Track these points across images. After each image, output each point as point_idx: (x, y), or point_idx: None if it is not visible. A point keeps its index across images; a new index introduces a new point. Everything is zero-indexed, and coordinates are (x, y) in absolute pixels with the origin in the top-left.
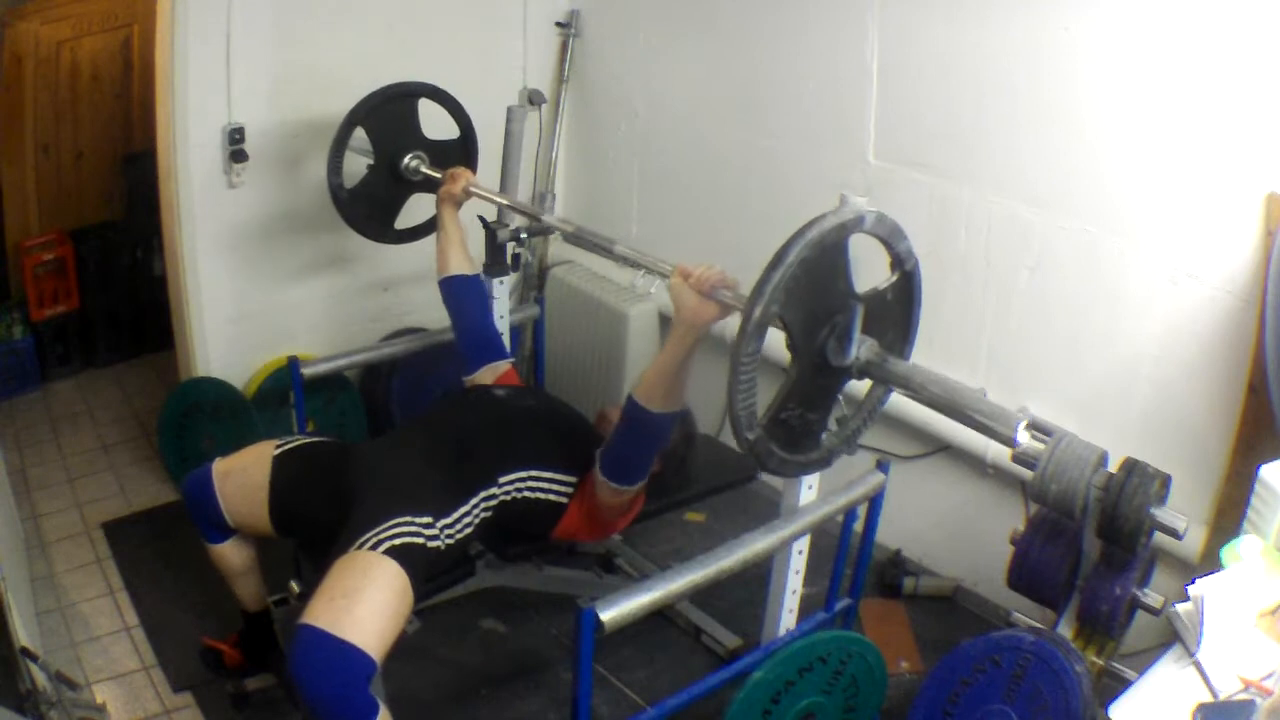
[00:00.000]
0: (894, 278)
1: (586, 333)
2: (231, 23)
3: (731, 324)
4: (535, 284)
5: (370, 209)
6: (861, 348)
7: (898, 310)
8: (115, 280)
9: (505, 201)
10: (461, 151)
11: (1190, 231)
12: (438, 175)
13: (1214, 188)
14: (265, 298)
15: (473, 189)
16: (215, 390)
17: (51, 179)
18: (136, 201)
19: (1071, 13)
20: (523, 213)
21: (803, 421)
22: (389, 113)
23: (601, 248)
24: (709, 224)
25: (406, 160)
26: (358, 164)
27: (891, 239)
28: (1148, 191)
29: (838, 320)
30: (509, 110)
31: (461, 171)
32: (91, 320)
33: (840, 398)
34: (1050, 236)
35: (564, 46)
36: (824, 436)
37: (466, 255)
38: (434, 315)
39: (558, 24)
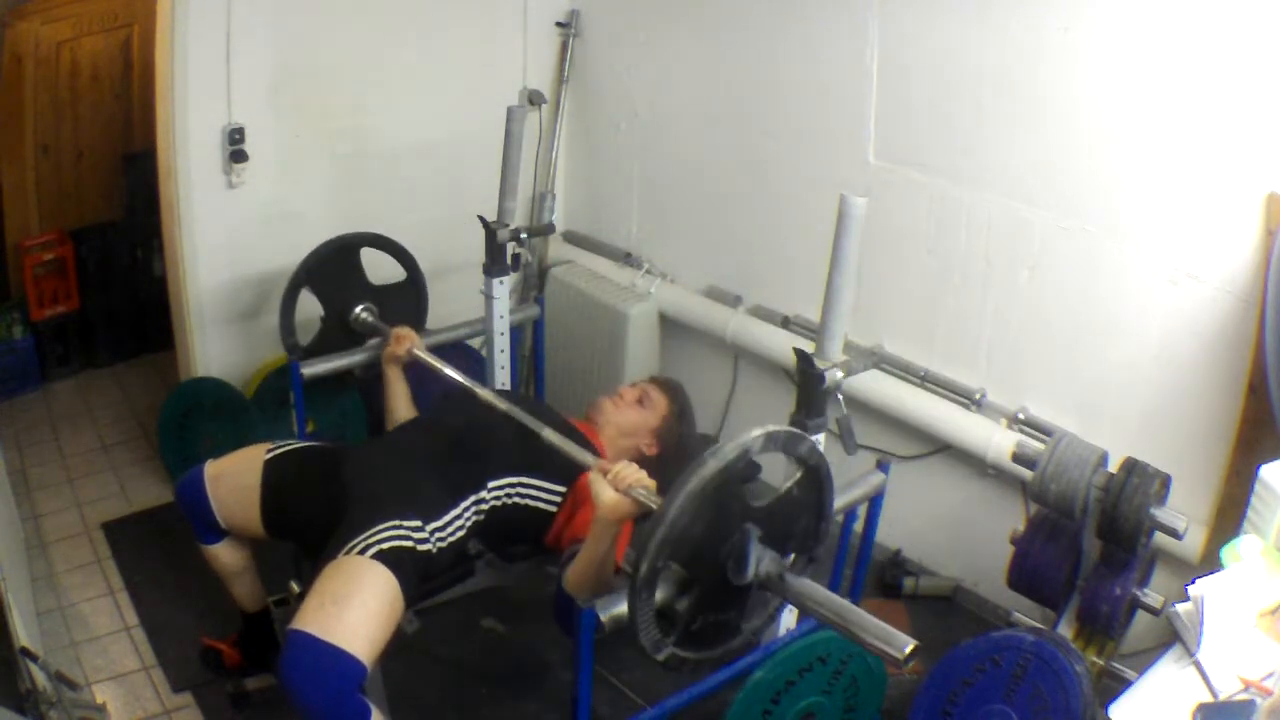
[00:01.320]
0: (798, 474)
1: (586, 333)
2: (231, 23)
3: (735, 325)
4: (535, 284)
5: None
6: (760, 565)
7: (809, 499)
8: (115, 280)
9: (448, 371)
10: (412, 293)
11: (1190, 231)
12: (386, 328)
13: (1214, 188)
14: (265, 298)
15: (417, 352)
16: (215, 390)
17: (51, 179)
18: (136, 201)
19: (1070, 13)
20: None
21: (716, 625)
22: (332, 268)
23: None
24: (709, 223)
25: (356, 312)
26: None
27: (789, 448)
28: (1148, 191)
29: (735, 542)
30: (509, 110)
31: (406, 333)
32: (91, 320)
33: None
34: (1050, 236)
35: (564, 46)
36: (743, 625)
37: (412, 409)
38: (433, 315)
39: (558, 24)
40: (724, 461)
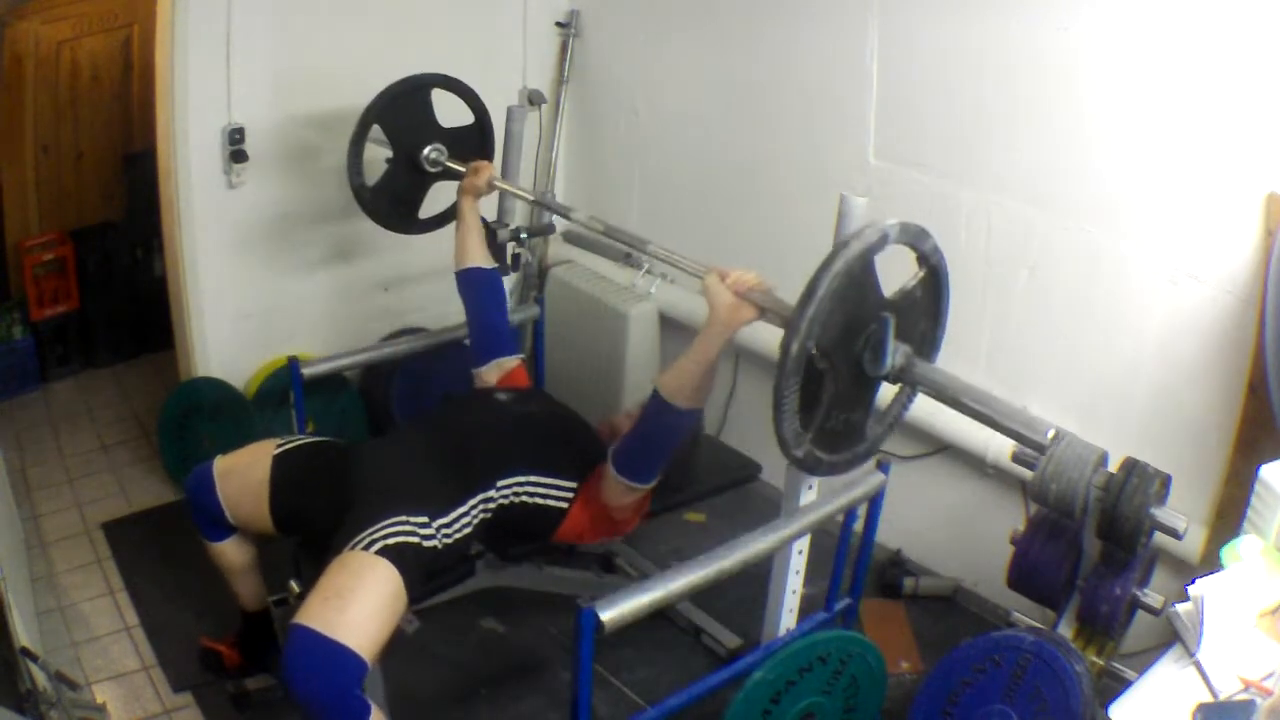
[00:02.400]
0: (921, 273)
1: (587, 333)
2: (231, 23)
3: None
4: (535, 284)
5: (393, 204)
6: (896, 355)
7: (927, 302)
8: (115, 280)
9: (530, 197)
10: (478, 137)
11: (1190, 231)
12: (458, 167)
13: (1214, 188)
14: (265, 298)
15: (495, 183)
16: (215, 390)
17: (51, 179)
18: (137, 202)
19: (1070, 13)
20: (548, 207)
21: (846, 424)
22: (404, 106)
23: (634, 247)
24: (709, 224)
25: (426, 152)
26: (375, 158)
27: (916, 242)
28: (1148, 191)
29: (871, 331)
30: (509, 110)
31: (484, 165)
32: (91, 320)
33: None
34: (1050, 236)
35: (564, 46)
36: (868, 427)
37: (485, 248)
38: (434, 315)
39: (558, 24)
40: (866, 243)
